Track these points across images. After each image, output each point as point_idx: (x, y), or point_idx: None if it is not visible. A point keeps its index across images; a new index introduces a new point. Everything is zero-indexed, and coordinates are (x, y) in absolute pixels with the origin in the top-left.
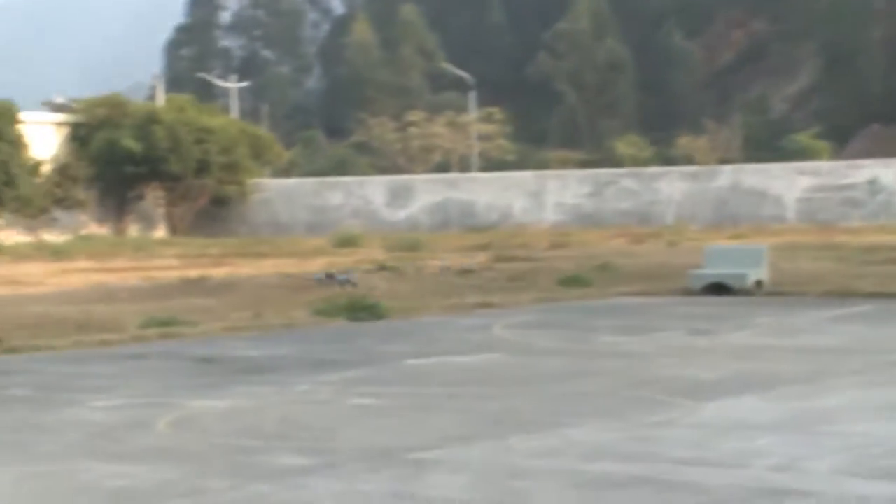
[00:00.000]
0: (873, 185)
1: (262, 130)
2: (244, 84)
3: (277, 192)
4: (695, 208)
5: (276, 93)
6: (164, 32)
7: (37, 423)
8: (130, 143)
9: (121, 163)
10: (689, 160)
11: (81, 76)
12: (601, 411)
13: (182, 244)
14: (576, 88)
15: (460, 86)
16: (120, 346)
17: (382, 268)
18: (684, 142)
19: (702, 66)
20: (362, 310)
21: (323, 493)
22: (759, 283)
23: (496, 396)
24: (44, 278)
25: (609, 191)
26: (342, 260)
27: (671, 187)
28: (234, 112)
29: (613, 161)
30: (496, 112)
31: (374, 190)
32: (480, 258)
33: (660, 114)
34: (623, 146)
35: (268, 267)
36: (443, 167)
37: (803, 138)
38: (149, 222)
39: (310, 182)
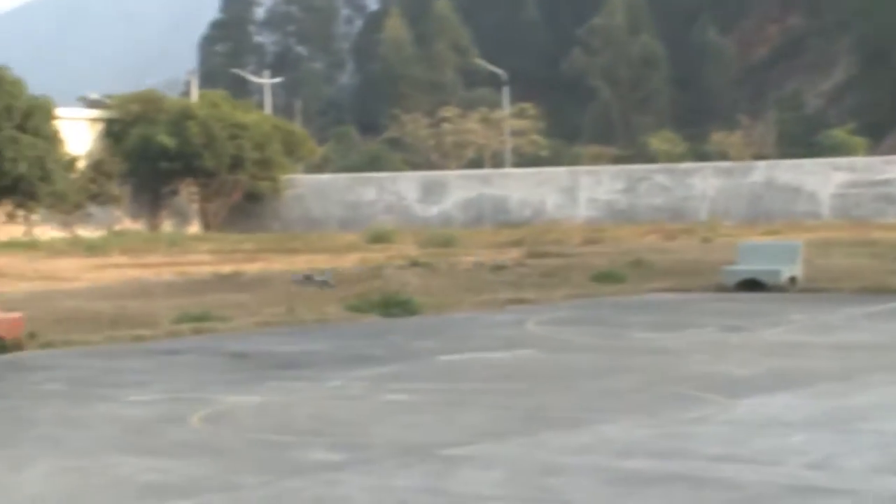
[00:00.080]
0: None
1: (296, 126)
2: (278, 80)
3: (310, 188)
4: (728, 204)
5: (309, 89)
6: (199, 28)
7: (71, 417)
8: (164, 138)
9: (155, 158)
10: (722, 156)
11: (116, 72)
12: (634, 408)
13: (215, 240)
14: (610, 84)
15: (494, 81)
16: (153, 342)
17: (415, 264)
18: (718, 138)
19: (736, 62)
20: (395, 306)
21: (355, 488)
22: (793, 280)
23: (529, 393)
24: (78, 273)
25: (642, 187)
26: (375, 256)
27: (705, 183)
28: (268, 108)
29: (647, 157)
30: (529, 108)
31: (407, 186)
32: (513, 254)
33: (694, 109)
34: (657, 142)
35: (301, 263)
36: (476, 163)
37: (839, 134)
38: (182, 218)
39: (343, 178)
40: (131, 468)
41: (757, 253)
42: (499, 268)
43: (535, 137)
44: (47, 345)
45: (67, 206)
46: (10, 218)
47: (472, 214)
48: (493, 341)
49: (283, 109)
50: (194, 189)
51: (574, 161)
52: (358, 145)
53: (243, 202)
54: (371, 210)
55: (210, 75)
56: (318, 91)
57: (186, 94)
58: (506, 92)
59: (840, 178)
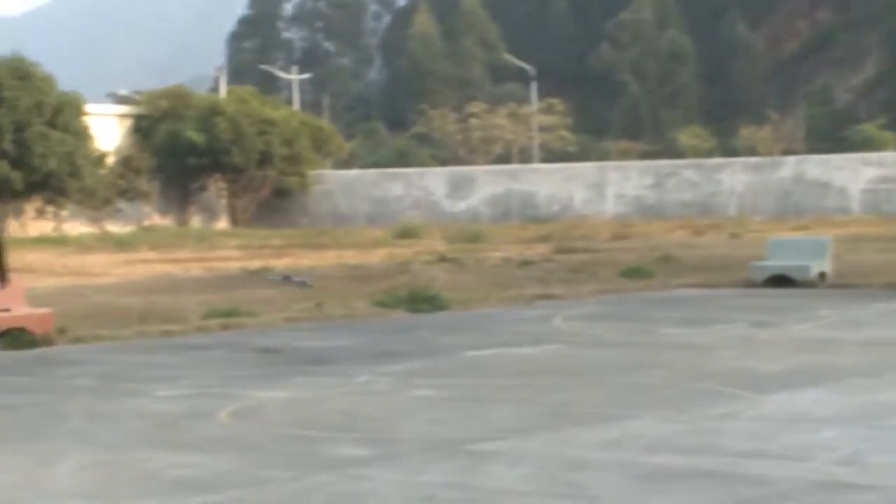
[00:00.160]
0: None
1: (324, 122)
2: (306, 76)
3: (338, 184)
4: (757, 200)
5: (337, 84)
6: (227, 24)
7: (100, 412)
8: (193, 134)
9: (183, 154)
10: (751, 151)
11: (145, 68)
12: (662, 403)
13: (244, 235)
14: (638, 79)
15: (522, 77)
16: (182, 337)
17: (443, 259)
18: (747, 133)
19: (765, 57)
20: (423, 301)
21: (383, 483)
22: (822, 275)
23: (556, 388)
24: (107, 269)
25: (670, 182)
26: (402, 251)
27: (733, 179)
28: (296, 104)
29: (675, 152)
30: (557, 103)
31: (434, 181)
32: (541, 249)
33: (722, 104)
34: (685, 137)
35: (329, 258)
36: (504, 158)
37: (869, 129)
38: (211, 213)
39: (371, 173)
40: (160, 463)
41: (786, 248)
42: (526, 263)
43: (563, 133)
44: (77, 340)
45: (96, 201)
46: (40, 214)
47: (500, 210)
48: (520, 337)
49: (312, 105)
50: (223, 185)
51: (602, 156)
52: (386, 141)
53: (271, 198)
54: (399, 205)
55: (238, 71)
56: (346, 87)
57: (215, 90)
58: (534, 87)
59: (870, 173)
